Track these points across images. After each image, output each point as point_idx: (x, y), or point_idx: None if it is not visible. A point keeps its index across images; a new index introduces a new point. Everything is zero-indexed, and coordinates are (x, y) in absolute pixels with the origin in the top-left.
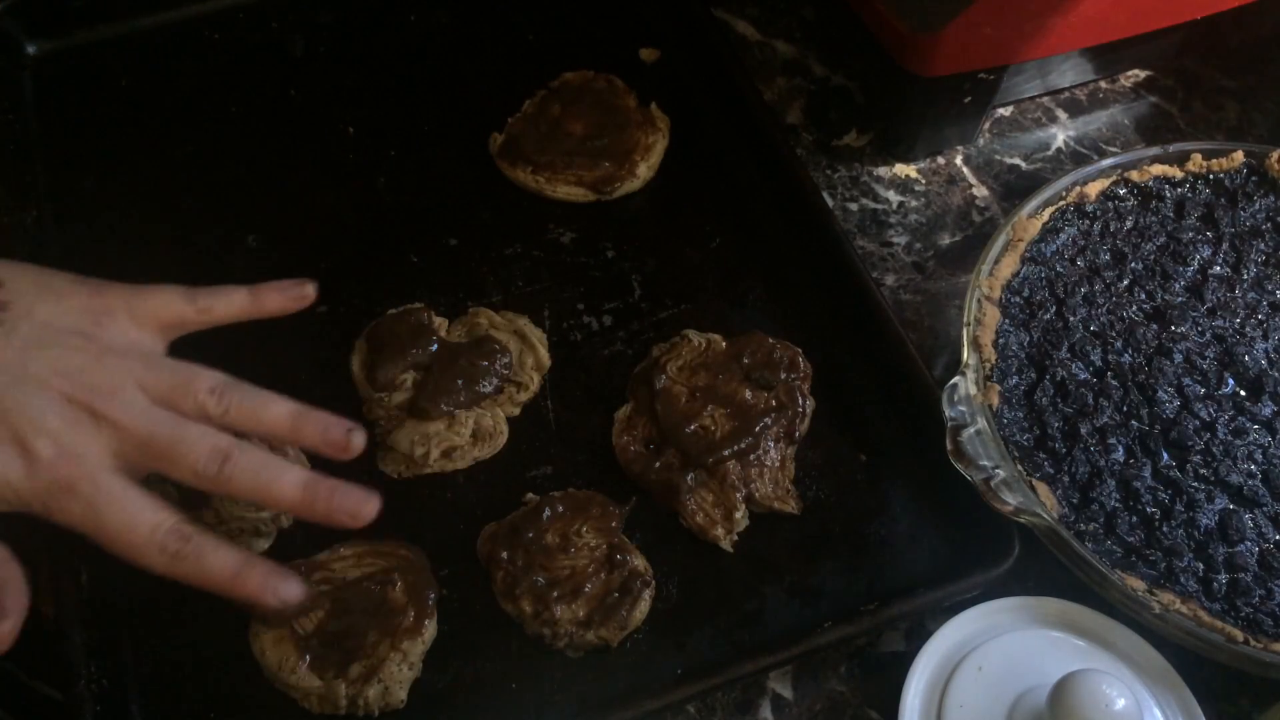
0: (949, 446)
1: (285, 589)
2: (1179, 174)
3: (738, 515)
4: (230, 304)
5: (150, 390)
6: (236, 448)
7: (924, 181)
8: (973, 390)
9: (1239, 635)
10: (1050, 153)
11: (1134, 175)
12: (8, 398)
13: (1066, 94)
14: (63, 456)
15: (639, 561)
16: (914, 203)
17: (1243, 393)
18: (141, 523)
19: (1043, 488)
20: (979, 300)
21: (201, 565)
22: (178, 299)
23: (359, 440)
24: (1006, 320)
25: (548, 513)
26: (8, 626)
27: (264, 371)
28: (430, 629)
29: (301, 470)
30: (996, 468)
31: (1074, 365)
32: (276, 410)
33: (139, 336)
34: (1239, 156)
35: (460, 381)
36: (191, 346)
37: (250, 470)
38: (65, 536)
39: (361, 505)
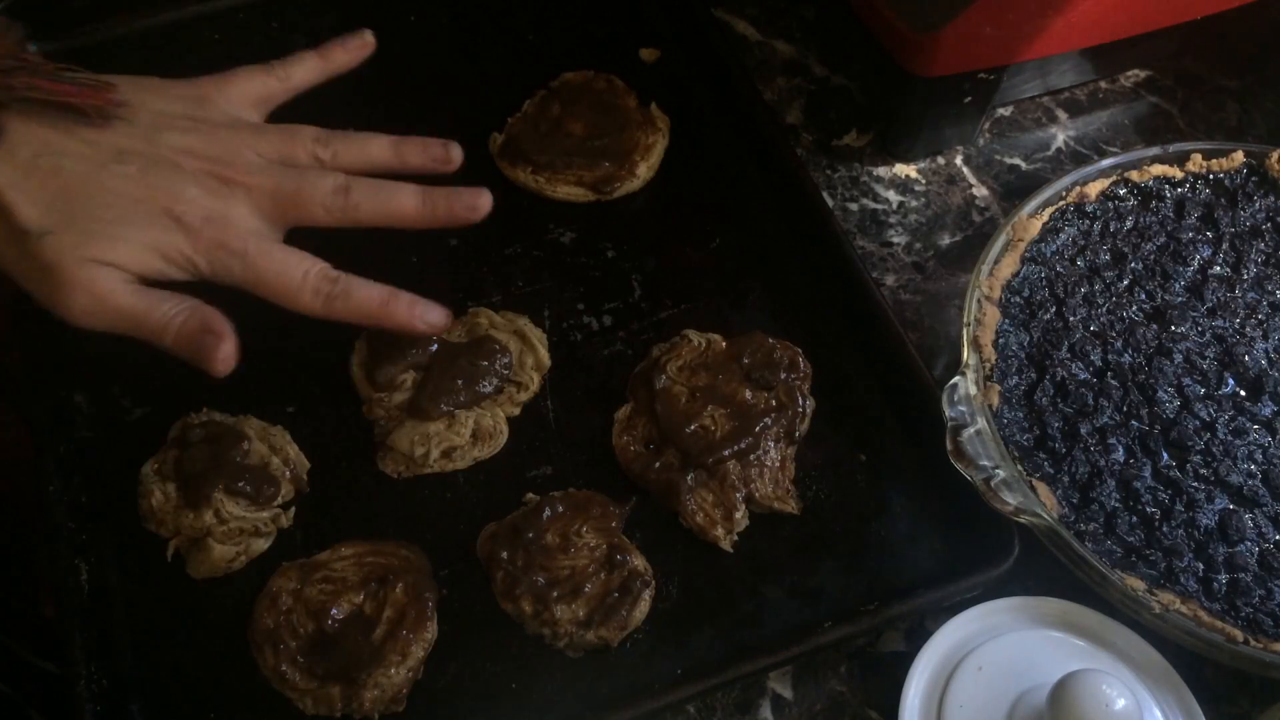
0: (949, 446)
1: (431, 314)
2: (1179, 174)
3: (738, 515)
4: (304, 67)
5: (264, 152)
6: (354, 180)
7: (924, 181)
8: (973, 390)
9: (1239, 635)
10: (1050, 153)
11: (1134, 175)
12: (149, 176)
13: (1066, 94)
14: (210, 220)
15: (639, 561)
16: (914, 203)
17: (1243, 393)
18: (294, 269)
19: (1043, 488)
20: (979, 300)
21: (350, 301)
22: (259, 73)
23: (457, 152)
24: (1006, 320)
25: (548, 513)
26: (229, 346)
27: (264, 371)
28: (430, 629)
29: (413, 185)
30: (996, 468)
31: (1074, 365)
32: (377, 143)
33: (237, 111)
34: (1239, 156)
35: (460, 382)
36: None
37: (370, 194)
38: (66, 537)
39: (477, 197)
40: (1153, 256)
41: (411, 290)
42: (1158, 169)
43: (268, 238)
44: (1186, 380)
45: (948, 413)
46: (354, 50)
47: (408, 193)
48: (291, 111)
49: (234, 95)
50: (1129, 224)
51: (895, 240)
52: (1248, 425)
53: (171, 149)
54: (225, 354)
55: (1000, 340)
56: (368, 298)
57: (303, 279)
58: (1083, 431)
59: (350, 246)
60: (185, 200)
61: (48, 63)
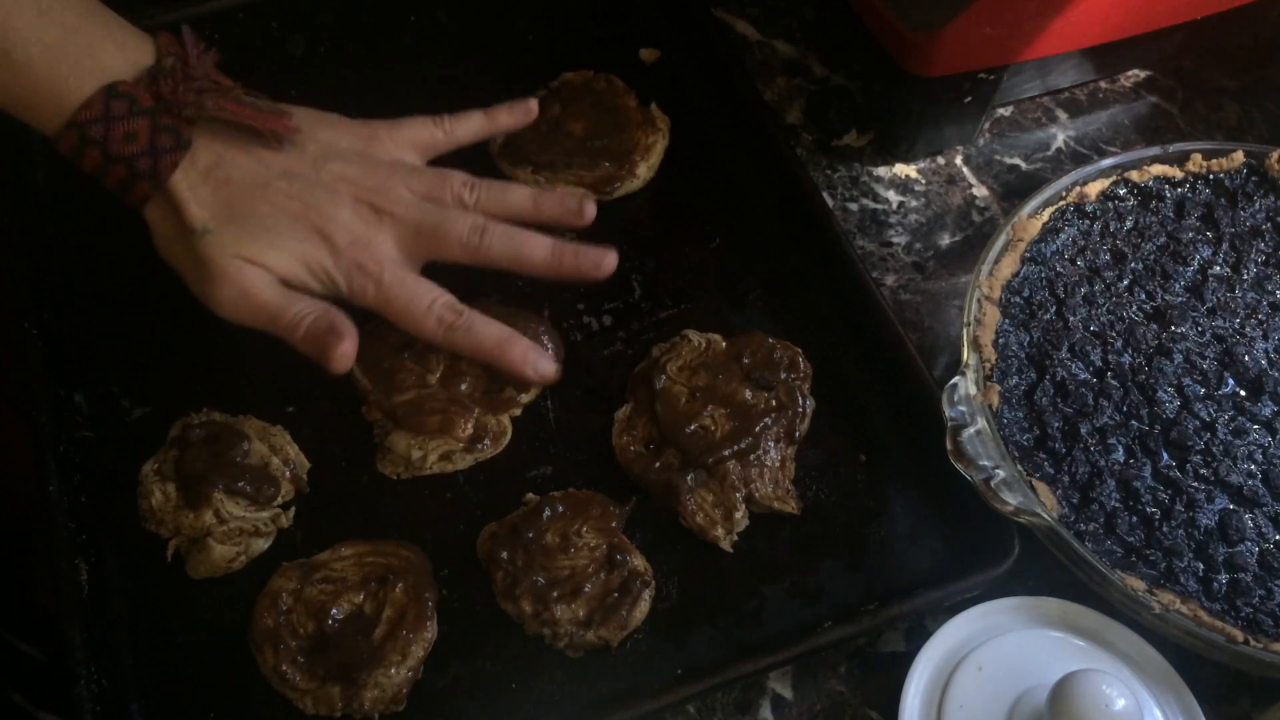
0: (949, 446)
1: (543, 365)
2: (1179, 174)
3: (738, 515)
4: (470, 125)
5: (415, 189)
6: (491, 224)
7: (924, 181)
8: (973, 390)
9: (1239, 635)
10: (1050, 153)
11: (1134, 175)
12: (308, 198)
13: (1066, 94)
14: (355, 243)
15: (639, 561)
16: (914, 203)
17: (1243, 393)
18: (422, 297)
19: (1043, 488)
20: (979, 300)
21: (471, 336)
22: (428, 124)
23: (590, 208)
24: (1006, 320)
25: (548, 513)
26: (348, 345)
27: (264, 371)
28: (430, 629)
29: (546, 237)
30: (996, 468)
31: (1074, 365)
32: (519, 193)
33: (400, 154)
34: (1239, 156)
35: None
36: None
37: (503, 238)
38: (66, 537)
39: (604, 256)
40: (1153, 256)
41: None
42: (1158, 169)
43: (404, 265)
44: (1186, 380)
45: (948, 413)
46: (519, 115)
47: (539, 242)
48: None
49: (400, 139)
50: (1129, 224)
51: (895, 240)
52: (1248, 425)
53: (332, 176)
54: (342, 352)
55: (1000, 340)
56: (487, 335)
57: (429, 306)
58: (1083, 431)
59: None
60: (336, 222)
61: (236, 86)
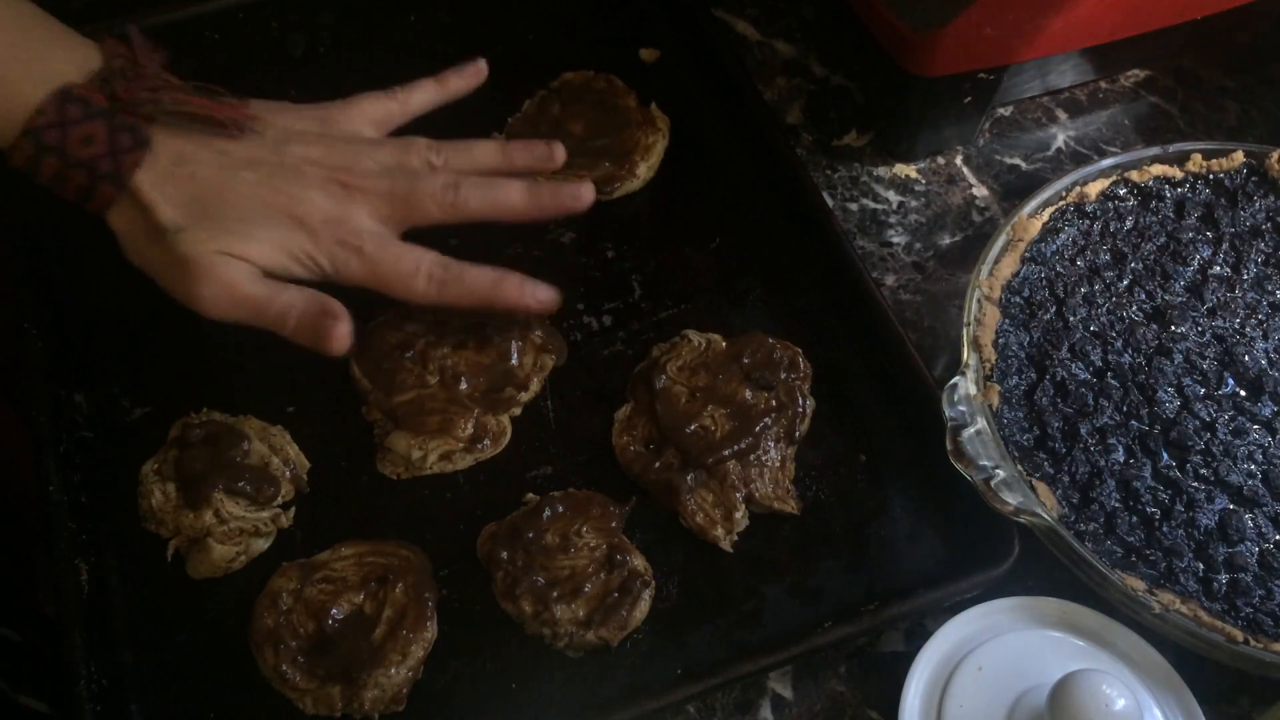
0: (949, 446)
1: (541, 292)
2: (1179, 174)
3: (738, 515)
4: (423, 94)
5: (381, 160)
6: (463, 178)
7: (924, 181)
8: (973, 390)
9: (1239, 635)
10: (1050, 153)
11: (1134, 175)
12: (277, 182)
13: (1066, 94)
14: (331, 221)
15: (639, 561)
16: (914, 203)
17: (1243, 393)
18: (408, 261)
19: (1043, 488)
20: (979, 300)
21: (464, 285)
22: (381, 97)
23: (560, 152)
24: (1006, 320)
25: (548, 513)
26: (345, 326)
27: (264, 371)
28: (430, 629)
29: (520, 180)
30: (996, 468)
31: (1074, 365)
32: (485, 147)
33: (359, 129)
34: (1239, 156)
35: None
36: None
37: (480, 189)
38: (66, 537)
39: (580, 188)
40: (1153, 256)
41: None
42: (1158, 169)
43: (384, 235)
44: (1186, 380)
45: (948, 413)
46: (469, 77)
47: (515, 187)
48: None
49: (355, 116)
50: (1129, 224)
51: (895, 240)
52: (1248, 425)
53: (296, 159)
54: (341, 333)
55: (1000, 340)
56: (480, 278)
57: (416, 267)
58: (1083, 431)
59: None
60: (307, 203)
61: (188, 83)
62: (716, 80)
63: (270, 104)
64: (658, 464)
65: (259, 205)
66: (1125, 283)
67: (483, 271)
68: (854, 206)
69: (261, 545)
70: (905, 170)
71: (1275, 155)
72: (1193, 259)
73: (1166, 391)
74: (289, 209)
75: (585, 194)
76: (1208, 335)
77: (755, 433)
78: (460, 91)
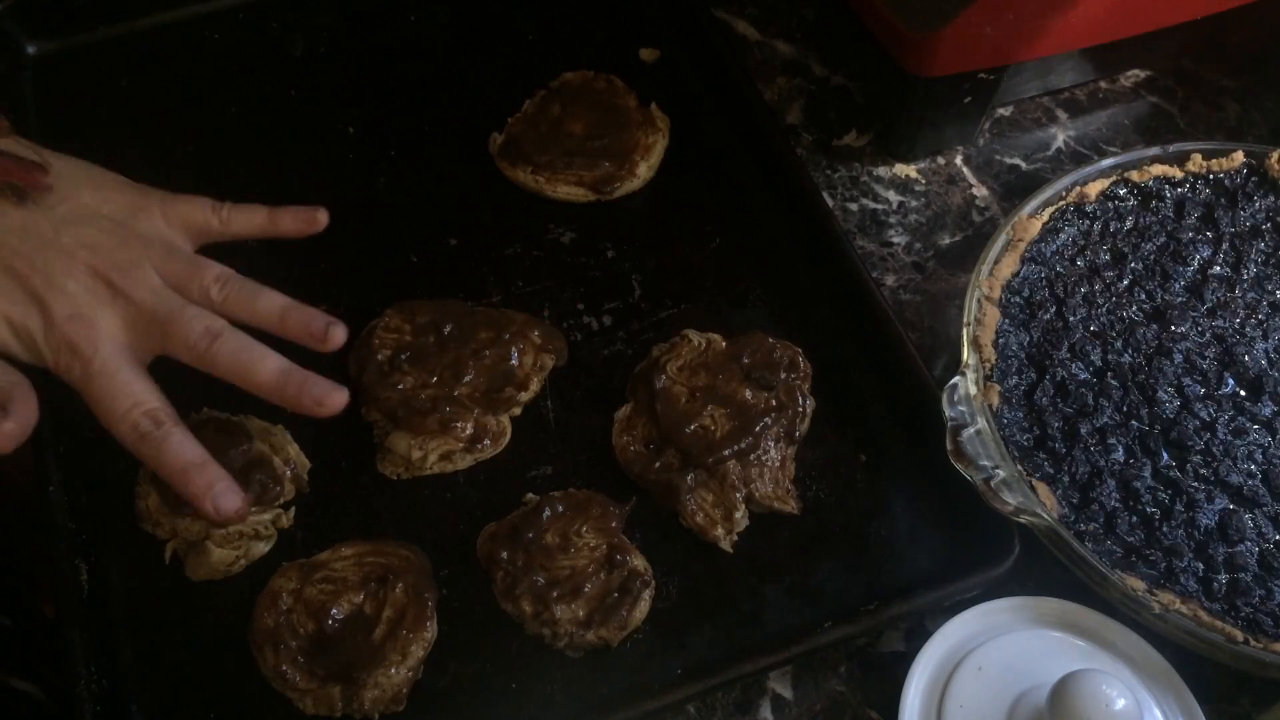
0: (949, 446)
1: (225, 501)
2: (1179, 174)
3: (738, 515)
4: (250, 219)
5: (165, 274)
6: (228, 330)
7: (924, 181)
8: (973, 390)
9: (1239, 635)
10: (1050, 153)
11: (1134, 175)
12: (36, 259)
13: (1066, 94)
14: (74, 318)
15: (639, 561)
16: (914, 203)
17: (1243, 393)
18: (124, 396)
19: (1043, 488)
20: (979, 300)
21: (160, 451)
22: (206, 207)
23: (337, 333)
24: (1006, 320)
25: (548, 513)
26: (9, 426)
27: None
28: (430, 629)
29: (281, 358)
30: (996, 468)
31: (1074, 365)
32: (268, 301)
33: (168, 233)
34: (1239, 156)
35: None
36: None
37: (235, 350)
38: (66, 537)
39: (329, 393)
40: (1153, 256)
41: (412, 290)
42: (1158, 169)
43: (122, 354)
44: (1186, 380)
45: (948, 413)
46: (302, 222)
47: (270, 364)
48: (296, 111)
49: (173, 215)
50: (1129, 224)
51: (895, 240)
52: (1248, 425)
53: (75, 242)
54: (4, 431)
55: (1000, 340)
56: (174, 457)
57: (126, 410)
58: (1083, 431)
59: (350, 241)
60: (60, 291)
61: (6, 129)
62: (716, 80)
63: (87, 175)
64: (658, 464)
65: (6, 273)
66: (1125, 283)
67: (183, 452)
68: (854, 206)
69: (261, 549)
70: (905, 170)
71: (1275, 155)
72: (1193, 259)
73: (1166, 391)
74: (37, 289)
75: (332, 401)
76: (1208, 335)
77: (755, 433)
78: (289, 233)
